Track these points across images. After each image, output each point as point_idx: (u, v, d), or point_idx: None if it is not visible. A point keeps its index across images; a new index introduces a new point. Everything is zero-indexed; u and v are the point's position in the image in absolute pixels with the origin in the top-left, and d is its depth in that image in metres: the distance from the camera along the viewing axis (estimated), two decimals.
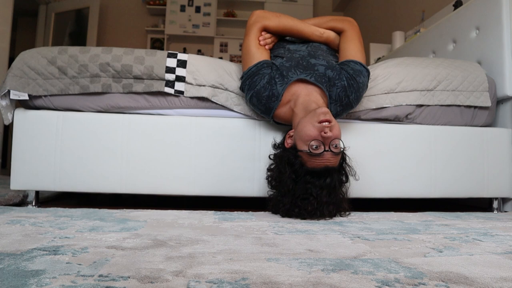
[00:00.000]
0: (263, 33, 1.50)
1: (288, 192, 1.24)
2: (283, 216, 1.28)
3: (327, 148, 1.20)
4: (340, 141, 1.24)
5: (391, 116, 1.62)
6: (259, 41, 1.47)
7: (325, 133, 1.19)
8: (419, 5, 3.24)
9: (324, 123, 1.20)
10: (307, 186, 1.21)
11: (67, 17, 4.93)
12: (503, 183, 1.68)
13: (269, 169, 1.36)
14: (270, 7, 5.27)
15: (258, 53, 1.44)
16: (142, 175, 1.50)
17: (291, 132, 1.35)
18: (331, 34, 1.56)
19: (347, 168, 1.30)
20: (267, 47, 1.49)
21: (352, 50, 1.48)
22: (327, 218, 1.25)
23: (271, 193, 1.36)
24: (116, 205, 1.63)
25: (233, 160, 1.53)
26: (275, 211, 1.34)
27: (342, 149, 1.25)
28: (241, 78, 1.45)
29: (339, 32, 1.56)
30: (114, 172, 1.49)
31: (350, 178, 1.31)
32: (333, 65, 1.44)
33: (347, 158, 1.32)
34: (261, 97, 1.40)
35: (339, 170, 1.27)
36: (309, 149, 1.21)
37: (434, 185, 1.63)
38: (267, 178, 1.37)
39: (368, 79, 1.45)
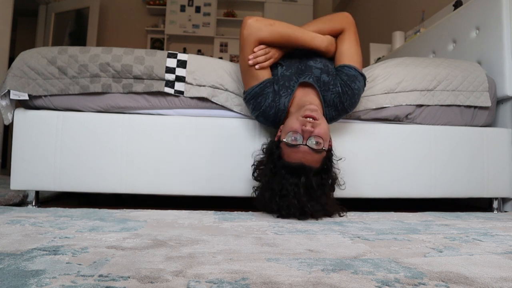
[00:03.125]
0: (255, 49, 1.35)
1: (266, 185, 1.25)
2: (263, 211, 1.31)
3: (304, 142, 1.20)
4: (323, 139, 1.22)
5: (391, 116, 1.62)
6: (249, 59, 1.34)
7: (305, 126, 1.20)
8: (419, 5, 3.24)
9: (307, 118, 1.22)
10: (282, 181, 1.22)
11: (67, 17, 4.92)
12: (503, 183, 1.68)
13: (255, 160, 1.38)
14: (270, 7, 5.27)
15: (260, 72, 1.37)
16: (142, 175, 1.50)
17: (281, 126, 1.36)
18: (331, 42, 1.43)
19: (332, 175, 1.29)
20: (257, 66, 1.34)
21: (348, 52, 1.42)
22: (320, 218, 1.25)
23: (255, 187, 1.37)
24: (116, 205, 1.63)
25: (233, 160, 1.53)
26: (260, 208, 1.35)
27: (323, 149, 1.23)
28: (244, 96, 1.43)
29: (335, 34, 1.46)
30: (114, 172, 1.49)
31: (336, 186, 1.32)
32: (328, 69, 1.43)
33: (334, 165, 1.31)
34: (268, 116, 1.41)
35: (319, 174, 1.25)
36: (287, 139, 1.22)
37: (434, 185, 1.63)
38: (252, 167, 1.37)
39: (364, 82, 1.42)
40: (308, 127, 1.20)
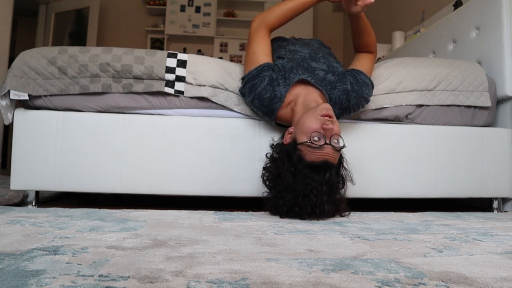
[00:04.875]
0: None
1: (289, 187, 1.22)
2: (282, 216, 1.27)
3: (328, 141, 1.21)
4: (341, 138, 1.24)
5: (391, 116, 1.62)
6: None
7: (326, 125, 1.20)
8: (419, 5, 3.24)
9: (326, 117, 1.22)
10: (306, 181, 1.19)
11: (67, 17, 4.92)
12: (503, 183, 1.68)
13: (265, 168, 1.34)
14: (270, 7, 5.25)
15: (260, 57, 1.43)
16: (142, 175, 1.50)
17: (290, 129, 1.34)
18: None
19: (344, 172, 1.30)
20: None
21: (367, 66, 1.53)
22: (325, 219, 1.24)
23: (266, 193, 1.33)
24: (116, 205, 1.63)
25: (233, 160, 1.53)
26: (274, 211, 1.31)
27: (341, 147, 1.24)
28: (242, 80, 1.44)
29: (365, 50, 1.57)
30: (114, 172, 1.49)
31: (348, 183, 1.31)
32: (334, 69, 1.45)
33: (344, 162, 1.31)
34: (262, 99, 1.40)
35: (337, 172, 1.26)
36: (310, 140, 1.20)
37: (434, 185, 1.63)
38: (262, 177, 1.33)
39: (372, 93, 1.49)
40: (330, 125, 1.20)
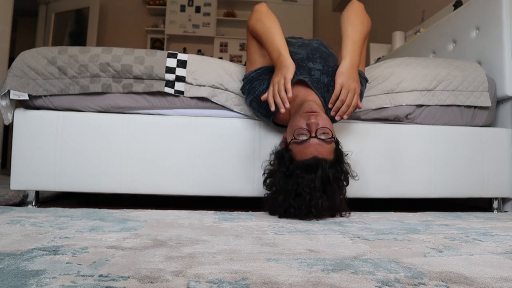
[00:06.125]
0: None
1: (281, 189, 1.22)
2: (280, 217, 1.27)
3: (313, 135, 1.20)
4: (330, 130, 1.22)
5: (391, 116, 1.62)
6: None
7: (309, 120, 1.21)
8: (419, 5, 3.24)
9: (310, 113, 1.22)
10: (298, 180, 1.18)
11: (67, 17, 4.92)
12: (503, 183, 1.68)
13: (264, 171, 1.35)
14: (270, 7, 5.23)
15: (256, 59, 1.44)
16: (142, 175, 1.50)
17: (284, 134, 1.36)
18: (284, 64, 1.29)
19: (345, 167, 1.27)
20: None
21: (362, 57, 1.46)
22: (324, 218, 1.24)
23: (266, 194, 1.33)
24: (116, 205, 1.63)
25: (233, 160, 1.53)
26: (271, 212, 1.32)
27: (332, 138, 1.23)
28: (243, 79, 1.45)
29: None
30: (114, 172, 1.48)
31: (350, 180, 1.29)
32: (329, 69, 1.44)
33: (345, 158, 1.29)
34: (262, 102, 1.40)
35: (334, 166, 1.23)
36: (294, 137, 1.21)
37: (434, 185, 1.63)
38: (263, 180, 1.34)
39: (365, 87, 1.46)
40: (313, 120, 1.21)
